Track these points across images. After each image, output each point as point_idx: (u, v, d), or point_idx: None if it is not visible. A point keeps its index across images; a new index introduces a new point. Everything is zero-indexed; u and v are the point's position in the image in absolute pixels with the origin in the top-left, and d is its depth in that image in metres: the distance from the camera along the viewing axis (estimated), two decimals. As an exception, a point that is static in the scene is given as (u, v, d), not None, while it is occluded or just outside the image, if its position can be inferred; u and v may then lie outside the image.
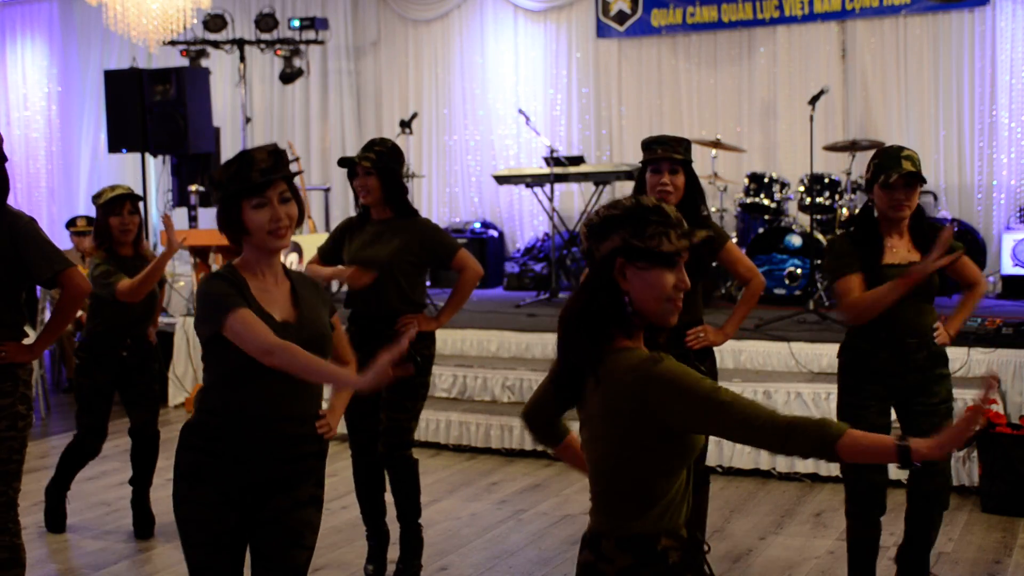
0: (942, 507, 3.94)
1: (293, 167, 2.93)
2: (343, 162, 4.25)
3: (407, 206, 4.31)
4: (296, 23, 10.36)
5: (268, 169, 2.74)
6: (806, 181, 8.15)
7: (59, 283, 3.56)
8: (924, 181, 3.75)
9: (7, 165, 3.53)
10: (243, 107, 10.72)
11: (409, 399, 4.25)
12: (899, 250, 3.80)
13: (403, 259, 4.18)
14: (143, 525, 5.14)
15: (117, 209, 4.90)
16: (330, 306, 2.97)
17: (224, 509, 2.75)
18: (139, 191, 10.43)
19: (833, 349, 6.30)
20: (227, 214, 2.77)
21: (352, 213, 11.35)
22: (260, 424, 2.75)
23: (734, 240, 6.85)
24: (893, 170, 3.69)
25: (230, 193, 2.74)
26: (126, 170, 11.95)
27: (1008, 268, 8.35)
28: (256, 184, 2.72)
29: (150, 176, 10.52)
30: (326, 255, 4.42)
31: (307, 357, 2.66)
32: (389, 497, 4.42)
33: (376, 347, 2.86)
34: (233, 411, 2.75)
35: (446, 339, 7.07)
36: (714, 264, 4.46)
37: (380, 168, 4.18)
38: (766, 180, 8.45)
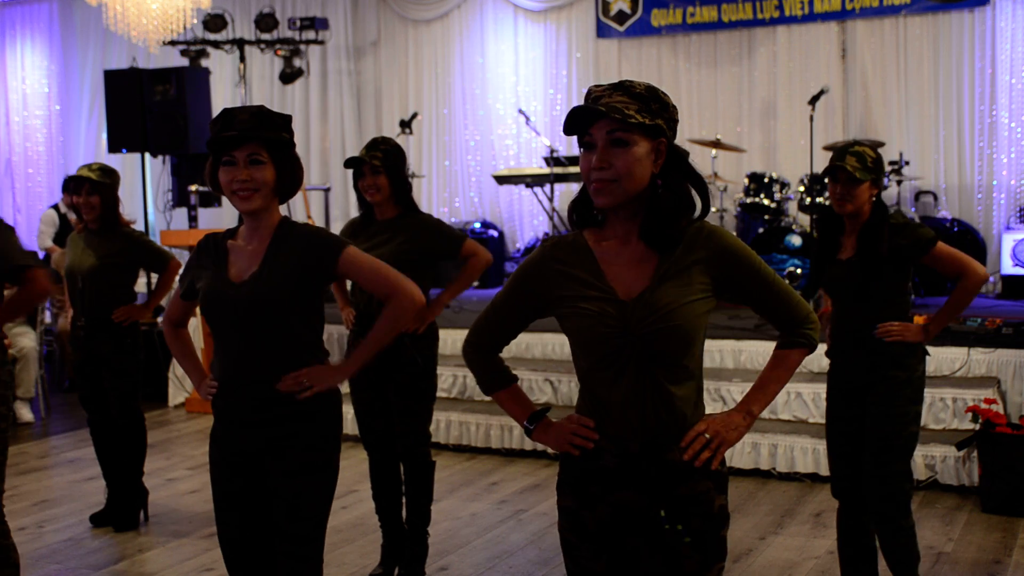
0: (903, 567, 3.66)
1: None
2: (350, 162, 4.21)
3: (412, 203, 4.31)
4: (296, 23, 10.36)
5: (246, 128, 2.66)
6: (806, 181, 8.15)
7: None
8: (860, 181, 3.55)
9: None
10: (243, 107, 10.71)
11: (418, 403, 4.26)
12: (846, 249, 3.71)
13: (407, 256, 4.16)
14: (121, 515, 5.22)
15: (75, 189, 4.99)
16: (328, 263, 2.77)
17: (228, 471, 2.81)
18: (139, 191, 10.49)
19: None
20: (209, 170, 2.74)
21: (352, 213, 11.46)
22: (229, 388, 2.78)
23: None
24: (832, 162, 3.62)
25: (208, 148, 2.70)
26: (126, 170, 11.93)
27: (1008, 268, 8.34)
28: (219, 140, 2.65)
29: (149, 176, 10.52)
30: None
31: (177, 345, 2.99)
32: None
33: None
34: (216, 377, 2.81)
35: (446, 339, 7.07)
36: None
37: (389, 166, 4.19)
38: (766, 180, 8.45)
